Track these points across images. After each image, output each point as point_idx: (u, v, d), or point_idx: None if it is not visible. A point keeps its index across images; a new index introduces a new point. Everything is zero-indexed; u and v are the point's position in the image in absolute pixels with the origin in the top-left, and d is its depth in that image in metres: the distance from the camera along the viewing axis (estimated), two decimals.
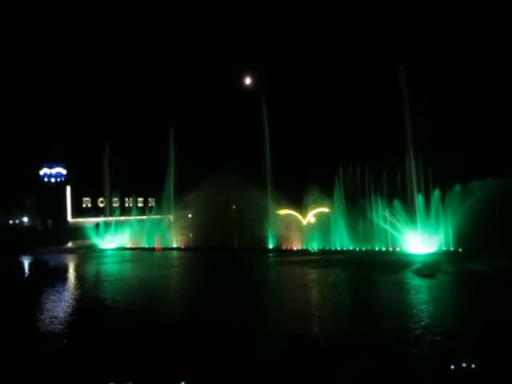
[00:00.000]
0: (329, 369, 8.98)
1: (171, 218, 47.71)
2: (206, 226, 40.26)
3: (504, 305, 14.03)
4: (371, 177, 33.59)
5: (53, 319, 13.61)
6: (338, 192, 34.78)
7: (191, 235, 42.78)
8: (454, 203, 29.07)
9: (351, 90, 49.45)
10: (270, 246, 36.85)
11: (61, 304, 16.38)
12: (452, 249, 29.46)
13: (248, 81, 55.92)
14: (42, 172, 72.75)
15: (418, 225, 30.02)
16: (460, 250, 29.09)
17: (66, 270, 28.96)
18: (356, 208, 33.59)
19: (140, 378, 8.89)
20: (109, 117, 61.20)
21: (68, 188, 66.95)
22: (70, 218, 65.86)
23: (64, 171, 72.72)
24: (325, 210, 35.92)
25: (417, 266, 23.80)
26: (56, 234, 53.64)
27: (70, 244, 49.84)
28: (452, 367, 8.88)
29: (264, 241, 37.13)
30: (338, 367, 9.03)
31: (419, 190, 30.92)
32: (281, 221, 38.74)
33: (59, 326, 12.77)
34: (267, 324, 12.70)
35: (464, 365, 8.99)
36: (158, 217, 48.92)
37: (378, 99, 43.25)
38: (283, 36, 57.71)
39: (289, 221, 38.64)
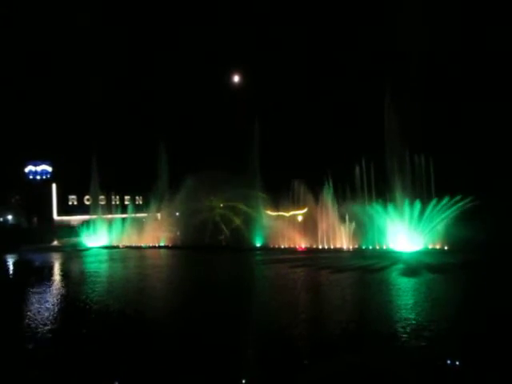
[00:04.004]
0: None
1: (159, 216, 47.44)
2: (194, 224, 40.12)
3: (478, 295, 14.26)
4: (359, 176, 33.85)
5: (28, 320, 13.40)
6: (327, 191, 34.91)
7: (178, 233, 42.60)
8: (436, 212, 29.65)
9: (340, 93, 49.55)
10: (258, 244, 36.84)
11: (35, 304, 16.07)
12: (438, 246, 29.99)
13: (237, 80, 55.73)
14: (27, 169, 71.56)
15: (405, 224, 30.28)
16: (446, 247, 29.63)
17: (48, 269, 28.48)
18: (344, 207, 33.86)
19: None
20: (95, 114, 60.47)
21: (54, 186, 65.89)
22: (55, 216, 64.89)
23: (49, 169, 71.60)
24: (312, 209, 35.88)
25: (403, 263, 24.12)
26: (41, 233, 52.88)
27: (55, 242, 49.19)
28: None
29: (251, 239, 37.12)
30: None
31: (406, 191, 31.35)
32: (269, 219, 38.77)
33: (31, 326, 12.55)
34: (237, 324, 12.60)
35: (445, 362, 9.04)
36: (146, 215, 48.58)
37: (369, 103, 43.69)
38: (270, 36, 57.48)
39: (277, 219, 38.68)
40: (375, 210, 31.37)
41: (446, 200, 29.34)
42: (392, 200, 31.72)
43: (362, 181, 33.85)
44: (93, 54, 63.94)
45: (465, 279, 19.17)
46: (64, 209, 65.00)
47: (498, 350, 9.53)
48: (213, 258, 32.19)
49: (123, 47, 66.24)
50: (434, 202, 29.70)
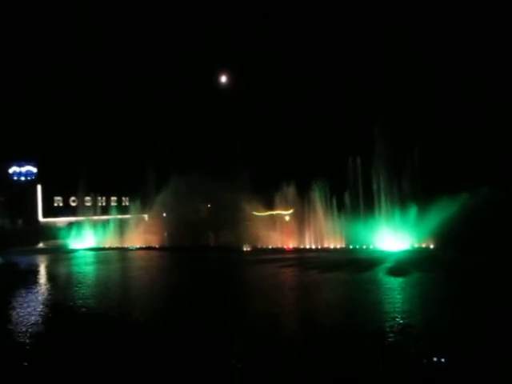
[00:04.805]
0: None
1: (146, 217, 47.10)
2: (181, 225, 39.90)
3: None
4: (345, 176, 34.07)
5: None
6: (315, 192, 35.11)
7: (166, 234, 42.31)
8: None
9: (329, 95, 49.56)
10: (246, 245, 36.75)
11: (17, 309, 15.84)
12: (423, 245, 30.35)
13: (224, 79, 55.54)
14: (11, 170, 70.37)
15: (391, 223, 30.59)
16: (431, 246, 30.01)
17: (32, 272, 28.01)
18: (330, 207, 34.14)
19: None
20: (80, 114, 59.75)
21: (39, 187, 64.93)
22: (40, 218, 63.96)
23: (34, 169, 70.49)
24: (300, 209, 35.95)
25: (388, 262, 24.33)
26: (26, 234, 52.00)
27: (41, 244, 48.49)
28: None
29: (239, 240, 36.99)
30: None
31: (390, 189, 31.71)
32: (257, 220, 38.72)
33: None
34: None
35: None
36: (132, 216, 48.17)
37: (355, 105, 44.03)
38: (263, 36, 57.34)
39: (265, 220, 38.65)
40: (363, 210, 31.73)
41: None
42: (379, 201, 32.10)
43: (349, 181, 34.02)
44: (79, 54, 63.18)
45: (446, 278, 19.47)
46: (49, 210, 64.04)
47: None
48: (200, 259, 32.12)
49: (107, 47, 65.54)
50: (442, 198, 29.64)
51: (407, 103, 35.84)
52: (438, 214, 28.56)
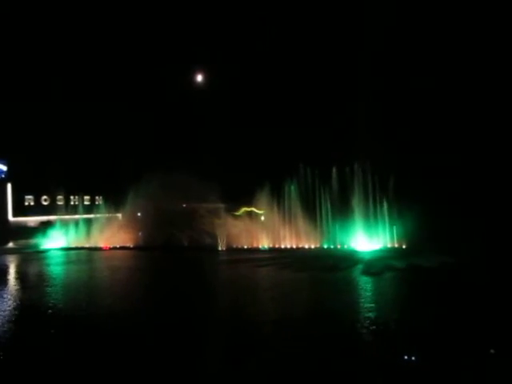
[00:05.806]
0: None
1: (119, 216, 46.37)
2: (156, 224, 39.42)
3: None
4: (320, 177, 34.37)
5: None
6: (288, 192, 35.31)
7: (140, 234, 41.75)
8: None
9: (305, 92, 49.55)
10: (221, 245, 36.61)
11: None
12: (396, 245, 30.92)
13: (198, 78, 55.13)
14: None
15: (364, 224, 31.07)
16: (404, 246, 30.59)
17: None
18: (306, 207, 34.38)
19: None
20: (52, 112, 58.22)
21: (9, 185, 63.15)
22: (11, 217, 62.21)
23: (4, 168, 68.39)
24: (275, 209, 36.07)
25: (361, 262, 24.69)
26: None
27: (10, 244, 47.17)
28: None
29: (215, 239, 36.83)
30: None
31: (364, 191, 32.21)
32: (232, 219, 38.62)
33: None
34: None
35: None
36: (106, 215, 47.30)
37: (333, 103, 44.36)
38: (236, 35, 57.01)
39: (240, 219, 38.59)
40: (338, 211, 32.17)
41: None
42: (353, 202, 32.51)
43: (326, 183, 34.34)
44: (49, 52, 61.54)
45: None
46: (20, 209, 62.31)
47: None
48: (175, 259, 31.82)
49: (78, 45, 63.99)
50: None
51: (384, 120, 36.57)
52: (409, 217, 29.19)
